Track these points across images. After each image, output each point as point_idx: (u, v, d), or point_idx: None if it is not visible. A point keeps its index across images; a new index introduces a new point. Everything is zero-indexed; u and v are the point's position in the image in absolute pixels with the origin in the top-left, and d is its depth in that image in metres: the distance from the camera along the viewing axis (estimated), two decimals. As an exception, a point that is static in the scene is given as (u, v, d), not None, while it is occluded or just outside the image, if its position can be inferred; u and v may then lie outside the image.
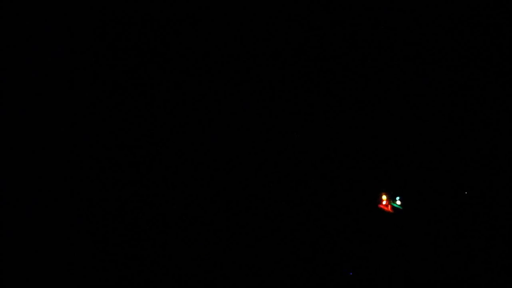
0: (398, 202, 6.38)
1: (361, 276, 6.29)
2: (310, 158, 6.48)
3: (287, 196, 6.41)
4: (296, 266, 6.30)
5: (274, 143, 6.52)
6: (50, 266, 6.00)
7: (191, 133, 6.49)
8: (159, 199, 6.38)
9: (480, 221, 6.33)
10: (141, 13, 6.37)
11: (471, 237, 6.29)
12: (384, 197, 6.37)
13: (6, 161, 6.05)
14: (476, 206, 6.37)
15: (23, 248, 5.98)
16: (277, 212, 6.39)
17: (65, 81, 6.26)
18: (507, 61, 6.48)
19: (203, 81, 6.55)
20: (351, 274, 6.31)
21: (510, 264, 6.17)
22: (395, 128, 6.53)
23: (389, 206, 6.37)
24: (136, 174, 6.36)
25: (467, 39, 6.55)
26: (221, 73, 6.56)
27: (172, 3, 6.40)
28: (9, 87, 6.12)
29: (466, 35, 6.55)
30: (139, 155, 6.39)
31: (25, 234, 6.01)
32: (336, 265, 6.26)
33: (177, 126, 6.48)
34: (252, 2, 6.51)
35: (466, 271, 6.19)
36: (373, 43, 6.58)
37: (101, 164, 6.28)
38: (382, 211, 6.36)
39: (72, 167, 6.22)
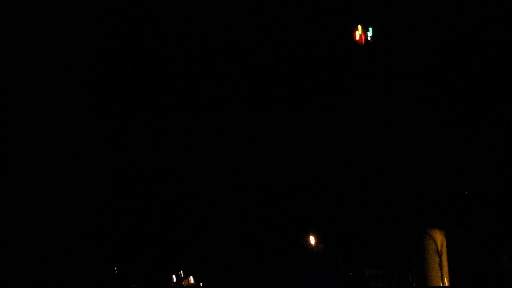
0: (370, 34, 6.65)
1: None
2: None
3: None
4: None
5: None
6: (50, 266, 6.00)
7: (190, 133, 6.51)
8: (159, 199, 6.41)
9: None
10: (140, 12, 6.41)
11: None
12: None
13: (6, 161, 6.07)
14: None
15: (23, 248, 5.99)
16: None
17: (64, 81, 6.29)
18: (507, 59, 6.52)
19: (201, 82, 6.58)
20: (351, 274, 6.32)
21: None
22: None
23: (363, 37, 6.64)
24: (135, 174, 6.38)
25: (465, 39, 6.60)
26: (218, 74, 6.60)
27: (172, 3, 6.43)
28: (9, 87, 6.14)
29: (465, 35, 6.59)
30: (139, 155, 6.41)
31: (25, 234, 6.02)
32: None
33: (175, 126, 6.51)
34: (251, 3, 6.55)
35: None
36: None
37: (101, 164, 6.30)
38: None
39: (72, 167, 6.24)
